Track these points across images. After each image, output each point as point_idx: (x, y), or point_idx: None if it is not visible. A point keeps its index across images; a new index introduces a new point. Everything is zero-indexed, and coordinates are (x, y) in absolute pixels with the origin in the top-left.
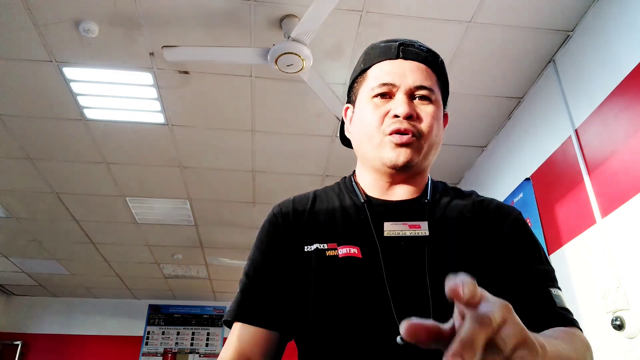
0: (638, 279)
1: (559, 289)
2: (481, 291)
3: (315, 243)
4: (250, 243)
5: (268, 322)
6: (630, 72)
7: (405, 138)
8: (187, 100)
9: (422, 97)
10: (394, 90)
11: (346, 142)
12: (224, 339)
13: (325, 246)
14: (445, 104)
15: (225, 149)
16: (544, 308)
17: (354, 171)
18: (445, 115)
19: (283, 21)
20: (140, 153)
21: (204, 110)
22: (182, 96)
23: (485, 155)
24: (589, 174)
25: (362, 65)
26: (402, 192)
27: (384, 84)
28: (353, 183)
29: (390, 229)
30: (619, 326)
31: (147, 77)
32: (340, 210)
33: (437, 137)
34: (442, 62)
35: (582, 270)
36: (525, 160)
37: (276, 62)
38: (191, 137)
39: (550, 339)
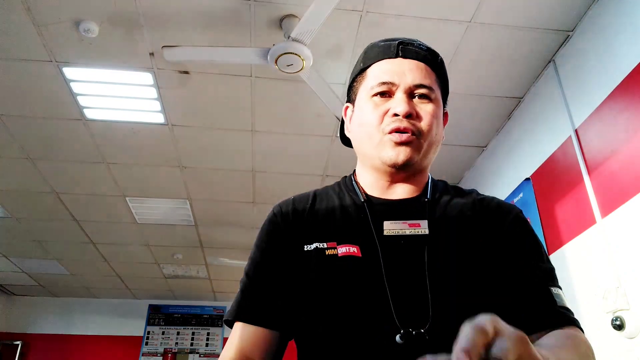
0: (638, 279)
1: (560, 287)
2: (494, 324)
3: (315, 242)
4: (251, 243)
5: (268, 322)
6: (630, 72)
7: (404, 137)
8: (187, 100)
9: (421, 96)
10: (394, 89)
11: (346, 142)
12: (224, 339)
13: (325, 245)
14: (445, 103)
15: (225, 149)
16: (544, 307)
17: (354, 170)
18: (445, 114)
19: (283, 21)
20: (140, 153)
21: (204, 110)
22: (182, 96)
23: (485, 155)
24: (589, 174)
25: (361, 65)
26: (402, 191)
27: (384, 83)
28: (353, 182)
29: (390, 227)
30: (619, 326)
31: (147, 77)
32: (340, 210)
33: (437, 135)
34: (441, 61)
35: (582, 270)
36: (525, 160)
37: (276, 62)
38: (191, 137)
39: (557, 351)
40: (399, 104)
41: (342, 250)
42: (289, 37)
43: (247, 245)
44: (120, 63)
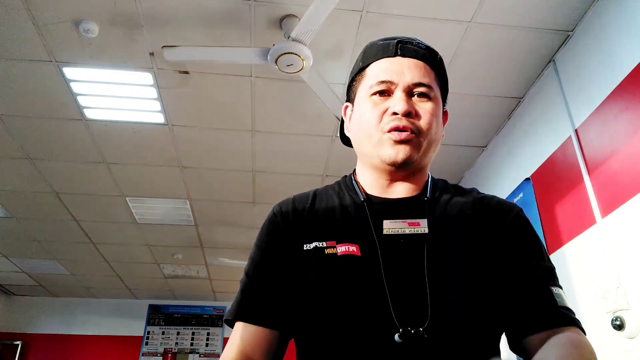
0: (638, 279)
1: (560, 287)
2: None
3: (315, 241)
4: (251, 243)
5: (269, 321)
6: (630, 72)
7: (404, 135)
8: (187, 100)
9: (420, 94)
10: (393, 87)
11: (346, 141)
12: (224, 339)
13: (324, 244)
14: (444, 101)
15: (225, 149)
16: (544, 307)
17: (355, 170)
18: (445, 113)
19: (283, 21)
20: (140, 153)
21: (204, 110)
22: (182, 96)
23: (485, 155)
24: (589, 174)
25: (360, 64)
26: (402, 190)
27: (382, 82)
28: (353, 181)
29: (390, 226)
30: (619, 326)
31: (147, 77)
32: (340, 209)
33: (437, 134)
34: (440, 59)
35: (582, 270)
36: (525, 160)
37: (276, 62)
38: (191, 137)
39: None
40: (397, 102)
41: (341, 249)
42: (289, 37)
43: (247, 245)
44: (120, 63)
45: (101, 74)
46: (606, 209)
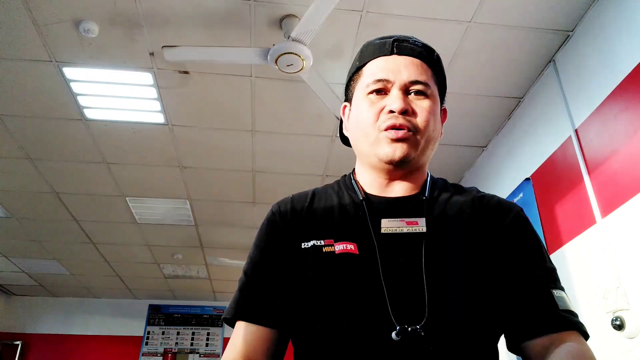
0: (638, 279)
1: (562, 289)
2: None
3: (313, 240)
4: (251, 243)
5: (269, 321)
6: (630, 72)
7: (400, 133)
8: (187, 100)
9: (417, 92)
10: (389, 86)
11: (346, 141)
12: (224, 339)
13: (322, 242)
14: (442, 99)
15: (225, 149)
16: (545, 311)
17: (354, 169)
18: (444, 111)
19: (283, 21)
20: (140, 153)
21: (204, 110)
22: (182, 96)
23: (485, 155)
24: (589, 174)
25: (357, 63)
26: (400, 189)
27: (379, 80)
28: (352, 181)
29: (388, 225)
30: (619, 326)
31: (147, 77)
32: (339, 208)
33: (434, 132)
34: (438, 57)
35: (582, 270)
36: (525, 160)
37: (276, 62)
38: (191, 137)
39: None
40: (394, 100)
41: (339, 247)
42: (289, 37)
43: (247, 245)
44: (120, 63)
45: (101, 74)
46: (606, 209)
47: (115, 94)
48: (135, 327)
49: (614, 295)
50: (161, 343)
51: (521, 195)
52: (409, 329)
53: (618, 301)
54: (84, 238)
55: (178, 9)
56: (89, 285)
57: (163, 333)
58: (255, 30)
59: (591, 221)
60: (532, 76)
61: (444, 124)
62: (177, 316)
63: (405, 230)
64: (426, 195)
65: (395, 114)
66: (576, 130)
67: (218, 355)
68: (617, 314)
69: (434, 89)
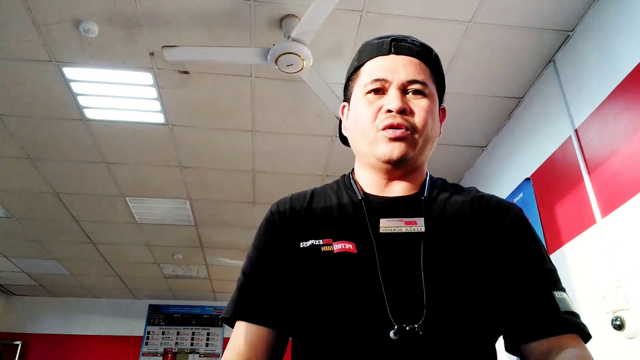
0: (638, 279)
1: (563, 289)
2: None
3: (311, 239)
4: (250, 243)
5: (269, 321)
6: (630, 72)
7: (398, 132)
8: (187, 100)
9: (415, 92)
10: (387, 85)
11: (345, 141)
12: (224, 339)
13: (321, 242)
14: (441, 99)
15: (225, 149)
16: (545, 314)
17: (353, 169)
18: (443, 110)
19: (283, 21)
20: (140, 153)
21: (204, 110)
22: (182, 96)
23: (485, 155)
24: (589, 174)
25: (355, 63)
26: (399, 189)
27: (377, 80)
28: (351, 180)
29: (386, 225)
30: (619, 326)
31: (147, 77)
32: (338, 207)
33: (433, 131)
34: (436, 56)
35: (582, 270)
36: (525, 160)
37: (276, 62)
38: (191, 137)
39: None
40: (392, 100)
41: (337, 246)
42: (289, 37)
43: (247, 245)
44: (120, 63)
45: (101, 74)
46: (606, 209)
47: (115, 94)
48: (135, 327)
49: (614, 295)
50: (161, 343)
51: (521, 195)
52: (407, 328)
53: (618, 301)
54: (84, 238)
55: (178, 9)
56: (89, 285)
57: (163, 333)
58: (255, 30)
59: (591, 221)
60: (532, 76)
61: (443, 124)
62: (177, 316)
63: (403, 230)
64: (425, 195)
65: (393, 113)
66: (576, 130)
67: (218, 355)
68: (617, 314)
69: (432, 88)
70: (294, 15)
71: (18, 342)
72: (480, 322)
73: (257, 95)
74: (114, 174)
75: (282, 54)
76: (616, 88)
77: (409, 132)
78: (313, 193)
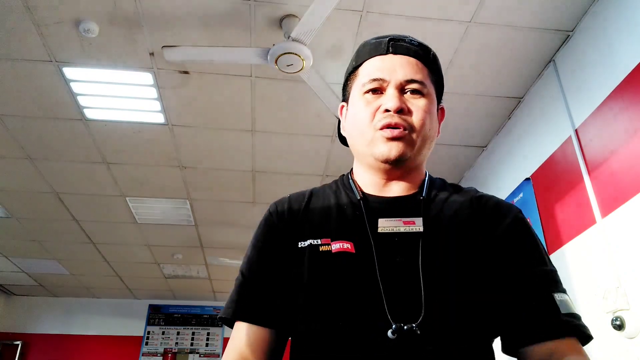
0: (638, 279)
1: (564, 291)
2: None
3: (309, 239)
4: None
5: (268, 321)
6: (630, 72)
7: (396, 132)
8: (187, 100)
9: (413, 91)
10: (385, 85)
11: (344, 141)
12: (224, 339)
13: (319, 242)
14: (440, 99)
15: (225, 149)
16: (547, 317)
17: (352, 169)
18: (441, 110)
19: (283, 21)
20: (140, 153)
21: (204, 110)
22: (182, 96)
23: (485, 155)
24: (589, 174)
25: (354, 63)
26: (398, 189)
27: (374, 80)
28: (350, 180)
29: (385, 225)
30: (619, 326)
31: (147, 77)
32: (336, 207)
33: (431, 130)
34: (434, 56)
35: (582, 270)
36: (525, 160)
37: (276, 62)
38: (191, 137)
39: None
40: (389, 99)
41: (335, 246)
42: (289, 37)
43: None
44: (120, 63)
45: (101, 74)
46: (606, 209)
47: (115, 94)
48: (135, 327)
49: (614, 295)
50: (161, 343)
51: (521, 195)
52: (405, 327)
53: (618, 301)
54: (84, 238)
55: (178, 9)
56: (89, 285)
57: (163, 333)
58: (255, 30)
59: (591, 221)
60: (532, 76)
61: (442, 123)
62: (177, 316)
63: (402, 229)
64: (424, 195)
65: (391, 112)
66: (576, 130)
67: (218, 355)
68: (617, 314)
69: (430, 88)
70: (294, 15)
71: (18, 342)
72: (479, 322)
73: (257, 95)
74: (114, 174)
75: (282, 54)
76: (616, 88)
77: (406, 131)
78: (312, 193)
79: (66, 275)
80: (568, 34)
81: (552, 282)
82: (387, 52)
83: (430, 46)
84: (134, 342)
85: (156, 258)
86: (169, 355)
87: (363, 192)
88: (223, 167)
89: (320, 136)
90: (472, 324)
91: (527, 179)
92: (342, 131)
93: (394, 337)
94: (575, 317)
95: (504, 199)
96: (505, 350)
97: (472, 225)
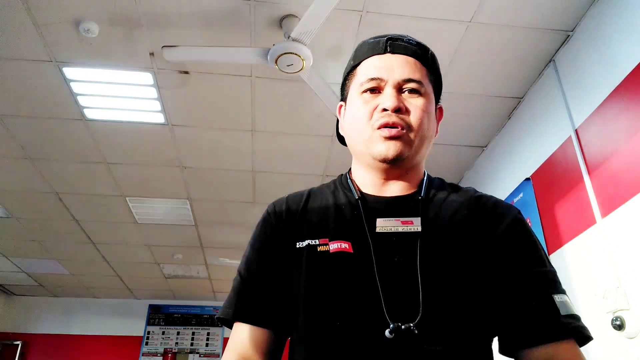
0: (638, 279)
1: (563, 292)
2: None
3: (307, 239)
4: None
5: (267, 322)
6: (630, 72)
7: (394, 131)
8: (187, 100)
9: (411, 91)
10: (382, 84)
11: (342, 140)
12: (224, 339)
13: (317, 242)
14: (438, 98)
15: (225, 149)
16: (548, 320)
17: (350, 168)
18: (440, 109)
19: (283, 21)
20: (140, 153)
21: (204, 110)
22: (182, 96)
23: (485, 155)
24: (589, 174)
25: (352, 62)
26: (396, 189)
27: (372, 79)
28: (348, 180)
29: (383, 224)
30: (619, 326)
31: (147, 77)
32: (334, 207)
33: (429, 130)
34: (432, 55)
35: (582, 270)
36: (525, 160)
37: (276, 62)
38: (191, 137)
39: None
40: (387, 99)
41: (333, 246)
42: (289, 37)
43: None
44: (120, 63)
45: (101, 74)
46: (606, 209)
47: (115, 94)
48: (135, 327)
49: (614, 295)
50: (161, 343)
51: (521, 195)
52: (403, 327)
53: (618, 301)
54: (84, 238)
55: (178, 9)
56: (89, 285)
57: (163, 333)
58: (255, 30)
59: (591, 221)
60: (532, 76)
61: (442, 123)
62: (177, 316)
63: (400, 229)
64: (422, 194)
65: (389, 112)
66: (576, 130)
67: (218, 355)
68: (617, 314)
69: (428, 88)
70: (294, 15)
71: (18, 342)
72: (477, 321)
73: (257, 95)
74: (114, 174)
75: (282, 54)
76: (616, 88)
77: (404, 131)
78: (310, 193)
79: (66, 275)
80: (568, 34)
81: (552, 283)
82: (385, 52)
83: (429, 46)
84: (134, 342)
85: (156, 258)
86: (169, 355)
87: (361, 192)
88: (223, 167)
89: (320, 136)
90: (470, 324)
91: (527, 179)
92: (340, 130)
93: (391, 336)
94: (575, 318)
95: (504, 199)
96: (503, 351)
97: (471, 225)
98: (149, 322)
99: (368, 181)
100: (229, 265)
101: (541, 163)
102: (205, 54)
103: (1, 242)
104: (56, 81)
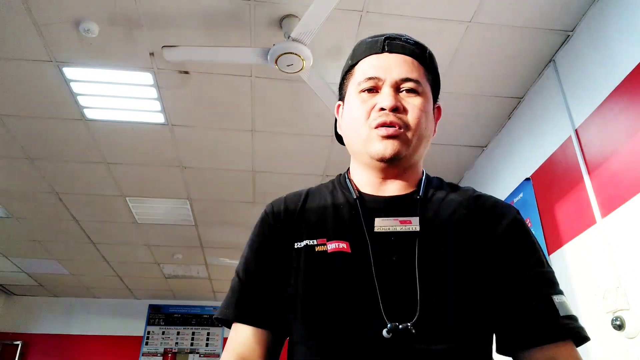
0: (638, 279)
1: (561, 293)
2: None
3: (306, 239)
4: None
5: (266, 323)
6: (630, 72)
7: (391, 130)
8: (187, 100)
9: (408, 90)
10: (380, 84)
11: (341, 140)
12: (224, 339)
13: (315, 242)
14: (436, 97)
15: (225, 149)
16: (547, 321)
17: (349, 168)
18: (438, 109)
19: (283, 21)
20: (140, 153)
21: (204, 110)
22: (182, 96)
23: (485, 155)
24: (589, 174)
25: (350, 62)
26: (394, 188)
27: (370, 78)
28: (347, 179)
29: (381, 224)
30: (619, 326)
31: (147, 77)
32: (332, 207)
33: (427, 129)
34: (430, 55)
35: (582, 270)
36: (525, 160)
37: (276, 62)
38: (191, 137)
39: None
40: (385, 98)
41: (331, 246)
42: (289, 37)
43: None
44: (120, 63)
45: (101, 74)
46: (606, 209)
47: (115, 94)
48: (135, 327)
49: (614, 295)
50: (161, 343)
51: (521, 195)
52: (400, 326)
53: (618, 301)
54: (84, 238)
55: (178, 9)
56: (89, 285)
57: (163, 333)
58: (255, 30)
59: (591, 221)
60: (532, 76)
61: (441, 123)
62: (177, 316)
63: (398, 229)
64: (420, 194)
65: (386, 111)
66: (576, 130)
67: (218, 355)
68: (617, 314)
69: (426, 87)
70: (294, 15)
71: (18, 342)
72: (475, 321)
73: (257, 95)
74: (114, 174)
75: (282, 54)
76: (616, 88)
77: (402, 130)
78: (308, 193)
79: (66, 275)
80: (568, 34)
81: (550, 284)
82: (382, 51)
83: (429, 46)
84: (134, 342)
85: (156, 258)
86: (169, 355)
87: (359, 192)
88: (223, 167)
89: (320, 136)
90: (468, 324)
91: (527, 179)
92: (338, 130)
93: (389, 336)
94: (573, 319)
95: (504, 199)
96: (501, 350)
97: (470, 225)
98: (149, 322)
99: (366, 181)
100: (229, 265)
101: (541, 163)
102: (205, 54)
103: (1, 242)
104: (56, 81)
